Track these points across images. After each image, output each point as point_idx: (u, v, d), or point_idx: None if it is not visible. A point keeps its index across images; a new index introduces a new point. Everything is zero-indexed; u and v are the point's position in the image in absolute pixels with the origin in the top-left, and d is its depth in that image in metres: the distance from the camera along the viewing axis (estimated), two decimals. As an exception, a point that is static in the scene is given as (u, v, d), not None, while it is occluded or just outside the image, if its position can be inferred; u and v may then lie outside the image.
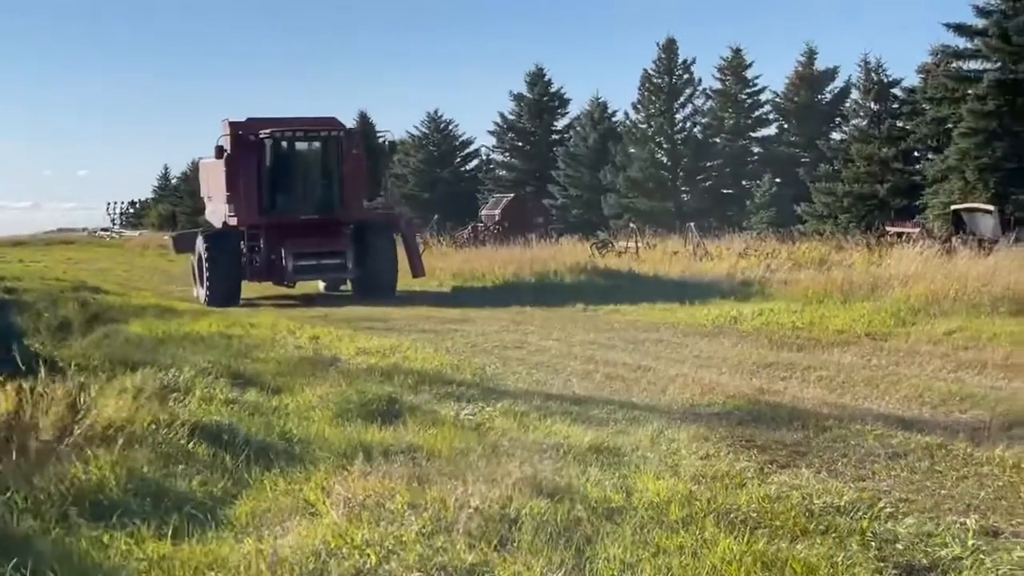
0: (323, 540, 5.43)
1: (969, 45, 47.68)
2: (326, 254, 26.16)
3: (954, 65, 48.27)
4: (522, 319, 19.42)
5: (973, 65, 47.67)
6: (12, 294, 22.11)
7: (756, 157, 62.64)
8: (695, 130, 62.94)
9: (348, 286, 28.75)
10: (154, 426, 7.29)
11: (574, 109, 71.96)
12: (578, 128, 68.09)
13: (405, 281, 27.49)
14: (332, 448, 7.77)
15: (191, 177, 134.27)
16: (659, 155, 61.82)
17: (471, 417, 9.58)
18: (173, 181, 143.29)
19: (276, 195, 26.39)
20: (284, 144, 26.67)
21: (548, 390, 11.50)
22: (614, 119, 66.55)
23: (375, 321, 19.40)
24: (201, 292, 26.42)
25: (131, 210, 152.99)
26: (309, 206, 26.59)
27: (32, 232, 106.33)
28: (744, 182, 61.12)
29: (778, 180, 56.64)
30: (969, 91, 45.86)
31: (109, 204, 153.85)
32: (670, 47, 62.12)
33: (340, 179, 26.80)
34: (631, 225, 43.27)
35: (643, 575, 5.22)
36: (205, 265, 25.94)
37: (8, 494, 5.84)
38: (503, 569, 5.17)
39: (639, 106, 62.51)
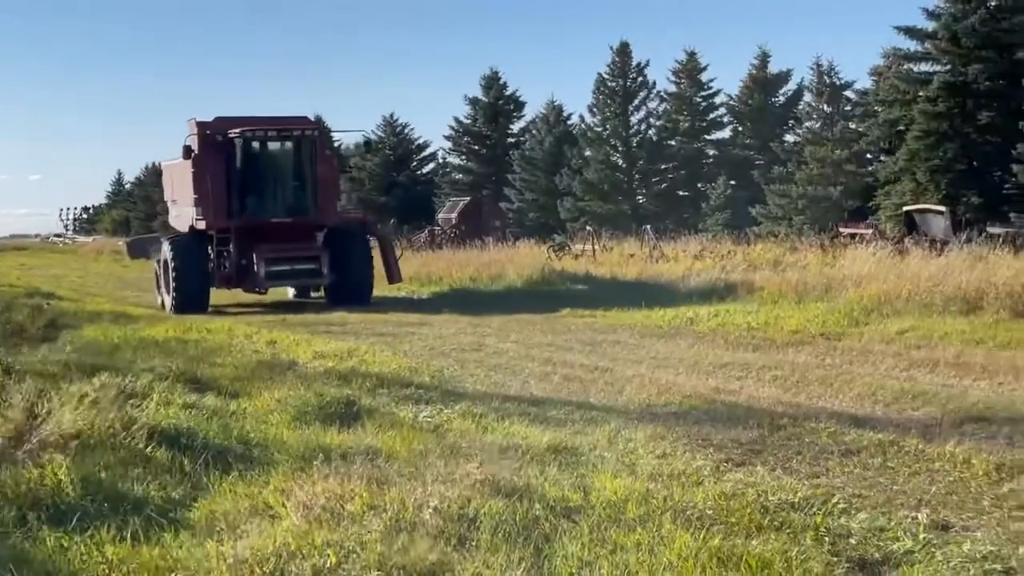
0: (283, 542, 5.44)
1: (920, 48, 48.07)
2: (300, 259, 24.98)
3: (905, 67, 48.69)
4: (479, 322, 19.48)
5: (924, 67, 48.12)
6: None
7: (711, 159, 62.88)
8: (650, 133, 62.96)
9: (320, 293, 27.53)
10: (112, 431, 7.28)
11: (529, 112, 72.07)
12: (533, 131, 68.03)
13: (380, 287, 26.68)
14: (290, 451, 7.78)
15: (146, 182, 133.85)
16: (614, 158, 61.89)
17: (429, 419, 9.61)
18: (127, 186, 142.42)
19: (247, 197, 25.16)
20: (255, 144, 25.51)
21: (506, 392, 11.58)
22: (569, 122, 66.55)
23: (332, 325, 19.42)
24: (166, 299, 25.25)
25: (84, 215, 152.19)
26: (281, 209, 25.41)
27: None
28: (699, 184, 61.37)
29: (733, 182, 56.90)
30: (920, 93, 46.27)
31: (62, 210, 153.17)
32: (624, 50, 62.19)
33: (314, 181, 25.58)
34: (587, 228, 43.38)
35: (601, 572, 5.26)
36: (171, 271, 24.67)
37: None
38: (463, 568, 5.21)
39: (594, 109, 62.54)
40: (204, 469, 7.13)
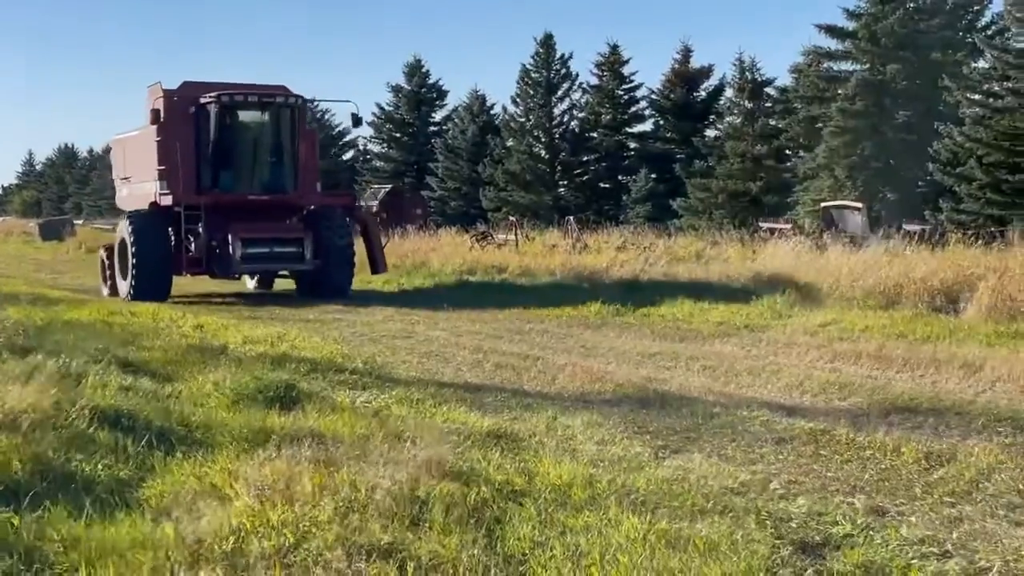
0: (238, 522, 5.47)
1: (839, 46, 48.93)
2: (280, 241, 22.36)
3: (825, 66, 49.50)
4: (407, 310, 19.46)
5: (843, 66, 48.97)
6: None
7: (632, 152, 63.22)
8: (572, 124, 63.45)
9: (285, 284, 25.21)
10: (55, 412, 7.25)
11: (452, 101, 72.09)
12: (456, 120, 68.04)
13: (361, 277, 24.73)
14: (233, 433, 7.78)
15: (57, 163, 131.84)
16: (537, 148, 62.16)
17: (368, 404, 9.64)
18: (38, 167, 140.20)
19: (220, 171, 22.53)
20: (230, 112, 22.63)
21: (440, 378, 11.65)
22: (493, 112, 66.70)
23: (258, 310, 19.33)
24: (121, 285, 22.46)
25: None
26: (258, 185, 22.86)
27: None
28: (620, 177, 61.70)
29: (654, 175, 57.28)
30: (839, 91, 47.10)
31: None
32: (548, 42, 62.44)
33: (294, 156, 23.07)
34: (511, 218, 43.53)
35: (554, 553, 5.35)
36: (131, 252, 21.71)
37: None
38: (419, 547, 5.28)
39: (518, 100, 62.64)
40: (148, 450, 7.11)
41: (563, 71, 62.39)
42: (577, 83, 62.96)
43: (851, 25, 47.82)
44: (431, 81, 72.14)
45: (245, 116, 23.20)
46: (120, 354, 11.46)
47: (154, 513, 5.82)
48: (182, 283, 23.50)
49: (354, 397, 9.95)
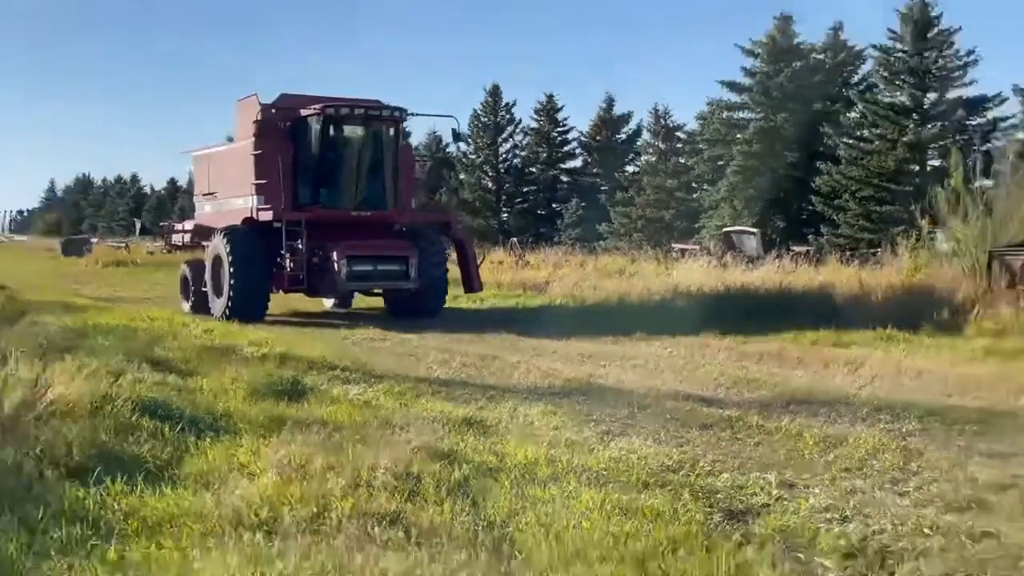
0: (267, 494, 5.50)
1: (738, 99, 49.63)
2: (386, 259, 18.62)
3: (726, 114, 50.16)
4: (382, 319, 19.31)
5: (741, 115, 49.68)
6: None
7: (565, 184, 63.63)
8: (515, 161, 64.02)
9: (364, 302, 21.72)
10: (103, 403, 7.23)
11: (413, 140, 71.95)
12: (417, 157, 67.93)
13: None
14: (251, 421, 7.76)
15: (75, 189, 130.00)
16: (485, 181, 62.69)
17: (359, 396, 9.61)
18: (59, 193, 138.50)
19: (320, 186, 19.00)
20: (332, 126, 19.05)
21: (416, 374, 11.59)
22: (448, 149, 66.84)
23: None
24: (216, 303, 18.92)
25: (19, 217, 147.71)
26: (360, 201, 19.13)
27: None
28: (555, 205, 62.18)
29: (583, 204, 57.64)
30: (738, 136, 47.78)
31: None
32: (495, 92, 63.19)
33: (395, 173, 19.41)
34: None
35: (528, 518, 5.43)
36: (229, 271, 18.25)
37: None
38: (419, 515, 5.32)
39: (469, 140, 62.91)
40: (182, 435, 7.07)
41: (508, 116, 62.87)
42: (519, 126, 63.45)
43: (748, 81, 48.61)
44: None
45: (347, 130, 19.58)
46: (147, 354, 11.34)
47: (195, 487, 5.83)
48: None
49: (347, 390, 9.90)
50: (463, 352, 13.93)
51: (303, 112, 18.88)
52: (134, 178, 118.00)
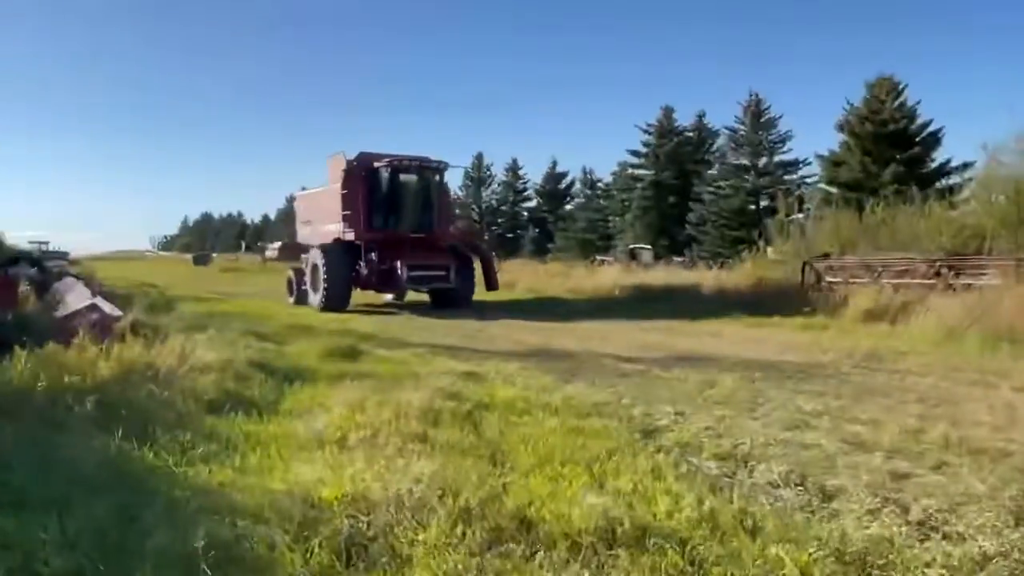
0: (339, 422, 5.42)
1: (638, 160, 49.73)
2: (434, 267, 18.38)
3: (629, 171, 50.27)
4: (424, 308, 18.99)
5: (640, 172, 49.77)
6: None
7: (525, 217, 63.70)
8: (492, 202, 64.09)
9: (415, 297, 20.40)
10: (227, 362, 7.08)
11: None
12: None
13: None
14: (324, 374, 7.61)
15: (201, 221, 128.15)
16: (474, 217, 62.73)
17: (394, 356, 9.45)
18: (190, 223, 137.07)
19: (387, 215, 18.61)
20: (395, 174, 18.75)
21: (432, 342, 11.42)
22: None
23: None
24: (313, 297, 18.47)
25: (164, 240, 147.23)
26: (414, 225, 18.71)
27: (102, 251, 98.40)
28: (519, 231, 62.22)
29: (537, 230, 57.71)
30: (638, 186, 47.82)
31: (151, 237, 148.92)
32: (480, 157, 63.31)
33: (439, 206, 19.19)
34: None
35: (513, 435, 5.36)
36: (323, 273, 18.06)
37: (157, 396, 5.66)
38: (439, 435, 5.23)
39: (461, 189, 62.95)
40: (280, 383, 6.97)
41: (488, 173, 62.95)
42: (496, 180, 63.58)
43: (644, 149, 48.73)
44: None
45: (404, 177, 19.12)
46: (252, 330, 11.14)
47: (290, 418, 5.73)
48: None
49: (388, 354, 9.68)
50: (461, 327, 13.82)
51: (376, 164, 18.65)
52: (239, 213, 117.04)
